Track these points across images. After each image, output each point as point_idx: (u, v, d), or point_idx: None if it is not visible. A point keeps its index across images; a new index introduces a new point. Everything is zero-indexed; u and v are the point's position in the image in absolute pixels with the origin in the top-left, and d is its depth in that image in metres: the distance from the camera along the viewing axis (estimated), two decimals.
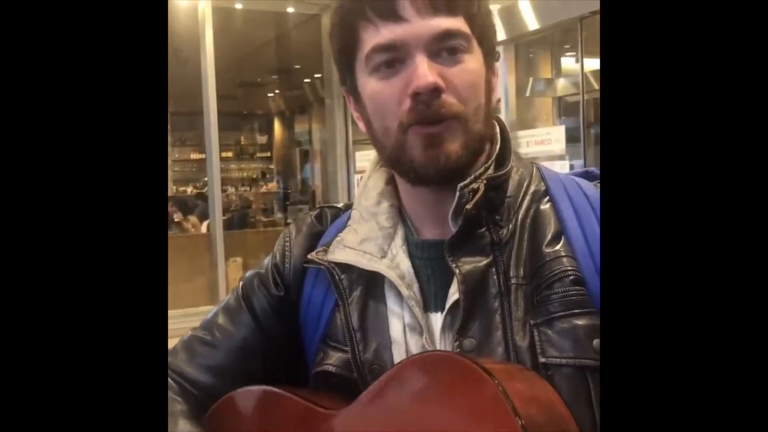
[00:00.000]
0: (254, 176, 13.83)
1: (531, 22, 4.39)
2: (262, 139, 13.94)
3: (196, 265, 5.37)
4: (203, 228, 6.43)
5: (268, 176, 13.85)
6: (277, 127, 13.50)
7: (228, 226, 6.75)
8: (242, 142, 13.88)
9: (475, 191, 0.72)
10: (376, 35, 0.71)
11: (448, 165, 0.71)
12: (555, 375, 0.68)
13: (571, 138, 6.06)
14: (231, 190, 12.38)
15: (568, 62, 5.93)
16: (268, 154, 13.96)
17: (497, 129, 0.78)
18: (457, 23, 0.71)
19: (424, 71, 0.69)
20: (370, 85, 0.73)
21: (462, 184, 0.71)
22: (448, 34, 0.70)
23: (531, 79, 4.82)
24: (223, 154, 11.54)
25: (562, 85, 5.53)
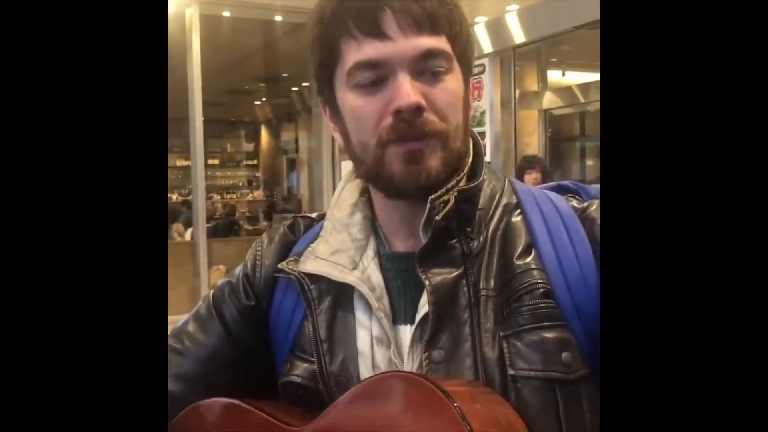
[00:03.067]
0: (240, 184, 13.77)
1: (518, 35, 4.41)
2: (248, 146, 13.88)
3: (181, 273, 5.32)
4: (188, 236, 6.39)
5: (254, 184, 13.79)
6: (264, 135, 13.46)
7: (213, 234, 6.71)
8: (228, 150, 13.80)
9: (446, 203, 0.71)
10: (358, 51, 0.70)
11: (428, 181, 0.71)
12: (523, 388, 0.67)
13: (557, 152, 6.10)
14: (216, 197, 12.32)
15: (554, 75, 5.97)
16: (255, 162, 13.89)
17: (470, 143, 0.78)
18: (439, 42, 0.70)
19: (407, 90, 0.68)
20: (349, 99, 0.72)
21: (433, 196, 0.71)
22: (431, 53, 0.70)
23: (517, 92, 4.83)
24: (209, 162, 11.50)
25: (548, 98, 5.58)
